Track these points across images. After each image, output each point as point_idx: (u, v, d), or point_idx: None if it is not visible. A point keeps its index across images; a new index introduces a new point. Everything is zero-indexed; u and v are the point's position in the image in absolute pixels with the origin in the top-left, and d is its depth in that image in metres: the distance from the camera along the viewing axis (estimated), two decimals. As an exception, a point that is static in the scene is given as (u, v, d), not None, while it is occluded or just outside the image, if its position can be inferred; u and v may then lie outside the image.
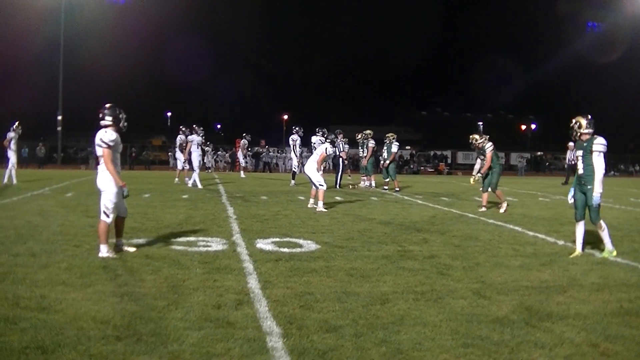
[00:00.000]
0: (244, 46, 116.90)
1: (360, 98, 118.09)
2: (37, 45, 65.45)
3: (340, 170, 23.14)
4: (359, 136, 24.36)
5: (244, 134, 33.80)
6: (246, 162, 32.56)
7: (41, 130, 56.19)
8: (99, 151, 7.89)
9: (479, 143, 15.13)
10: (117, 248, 8.16)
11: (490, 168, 15.02)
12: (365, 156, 23.55)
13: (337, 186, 22.51)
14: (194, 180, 21.54)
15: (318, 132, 18.96)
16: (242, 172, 32.88)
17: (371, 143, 23.25)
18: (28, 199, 15.68)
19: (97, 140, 7.85)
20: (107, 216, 7.88)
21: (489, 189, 15.18)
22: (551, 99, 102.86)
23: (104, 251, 7.82)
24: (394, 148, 22.66)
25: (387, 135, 23.59)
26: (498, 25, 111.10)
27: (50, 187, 20.26)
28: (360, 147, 24.42)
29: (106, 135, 7.85)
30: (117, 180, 7.84)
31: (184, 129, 23.72)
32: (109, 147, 7.83)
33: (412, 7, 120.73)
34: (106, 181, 7.86)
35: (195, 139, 22.24)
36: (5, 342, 4.52)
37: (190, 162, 22.40)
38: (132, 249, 8.25)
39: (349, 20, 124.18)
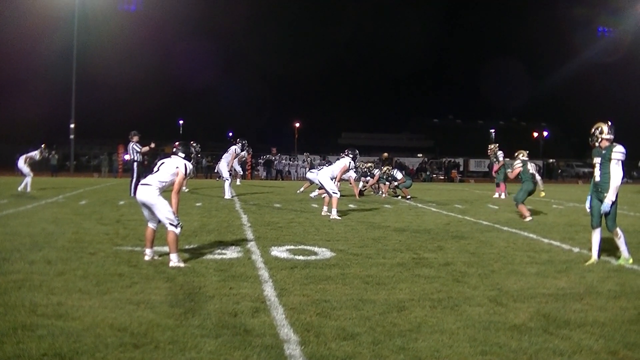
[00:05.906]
0: (255, 55, 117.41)
1: (373, 106, 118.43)
2: (50, 53, 65.89)
3: (135, 177, 19.86)
4: (490, 152, 25.06)
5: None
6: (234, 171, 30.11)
7: (54, 138, 56.48)
8: (169, 177, 8.17)
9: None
10: (148, 256, 8.28)
11: (518, 177, 15.47)
12: (498, 166, 24.27)
13: (132, 194, 19.40)
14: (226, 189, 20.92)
15: (349, 154, 18.41)
16: (238, 179, 32.40)
17: (500, 154, 24.06)
18: (42, 207, 15.75)
19: (181, 169, 8.19)
20: (175, 227, 7.91)
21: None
22: (563, 106, 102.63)
23: (175, 260, 7.87)
24: (399, 175, 22.98)
25: (384, 169, 23.92)
26: (510, 32, 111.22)
27: (64, 195, 20.37)
28: (493, 159, 25.09)
29: (189, 166, 8.37)
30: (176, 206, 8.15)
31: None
32: (186, 175, 8.24)
33: (425, 14, 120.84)
34: (154, 195, 7.96)
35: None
36: (23, 350, 4.53)
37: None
38: (158, 257, 8.34)
39: (362, 28, 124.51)
